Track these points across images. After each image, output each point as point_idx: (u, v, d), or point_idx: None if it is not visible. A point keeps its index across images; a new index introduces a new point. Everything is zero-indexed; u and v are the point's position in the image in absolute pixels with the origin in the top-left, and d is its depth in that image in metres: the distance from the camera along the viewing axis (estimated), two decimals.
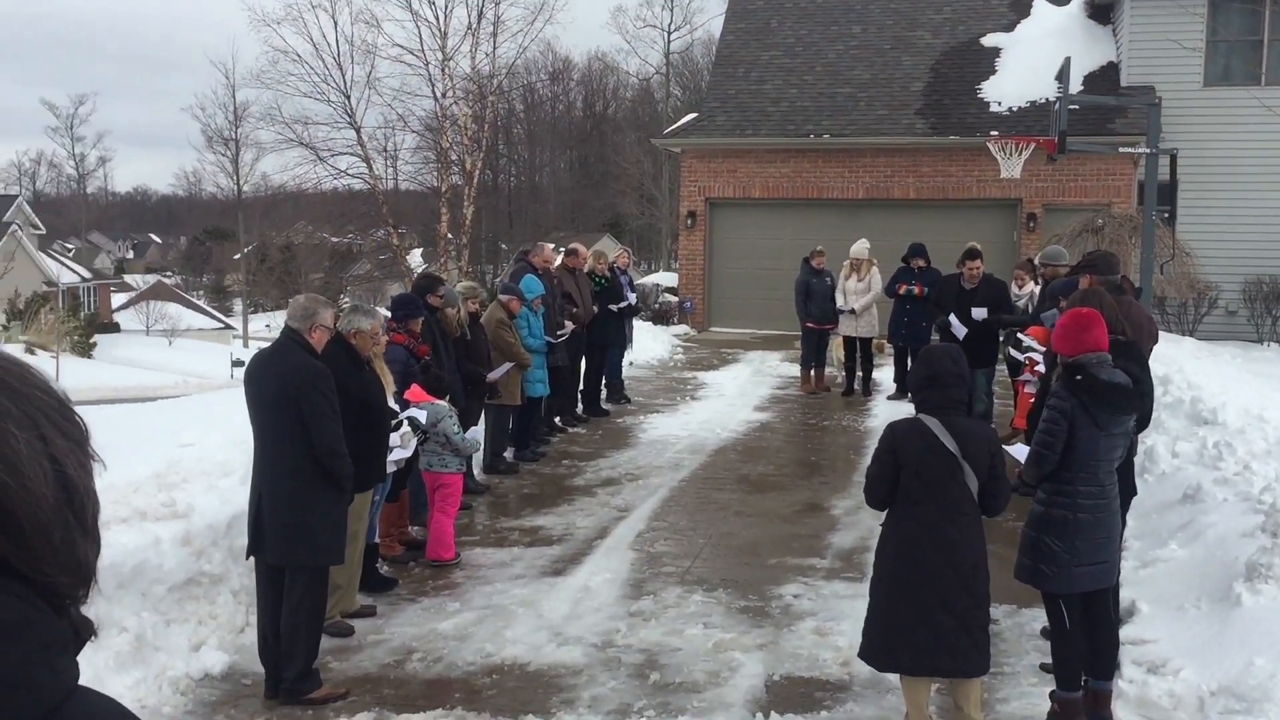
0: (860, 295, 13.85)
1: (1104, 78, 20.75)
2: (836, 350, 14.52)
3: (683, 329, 21.62)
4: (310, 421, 5.43)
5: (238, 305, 64.71)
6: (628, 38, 77.75)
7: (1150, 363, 6.97)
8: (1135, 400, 5.04)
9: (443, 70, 32.00)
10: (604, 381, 13.37)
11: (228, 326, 63.15)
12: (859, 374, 14.28)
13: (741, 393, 14.40)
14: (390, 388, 6.77)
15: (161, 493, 6.65)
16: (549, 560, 7.75)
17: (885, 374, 14.82)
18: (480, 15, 32.44)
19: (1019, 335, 9.79)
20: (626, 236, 60.68)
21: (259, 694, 5.65)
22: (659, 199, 51.21)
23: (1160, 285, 17.62)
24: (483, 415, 9.78)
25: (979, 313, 11.15)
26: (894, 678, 5.34)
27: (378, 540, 7.33)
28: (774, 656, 6.05)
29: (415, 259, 39.40)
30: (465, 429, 8.30)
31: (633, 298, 13.22)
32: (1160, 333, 11.84)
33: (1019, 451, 5.77)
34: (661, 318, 22.32)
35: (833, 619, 6.58)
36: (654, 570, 7.46)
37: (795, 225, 21.16)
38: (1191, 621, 5.89)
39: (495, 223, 54.52)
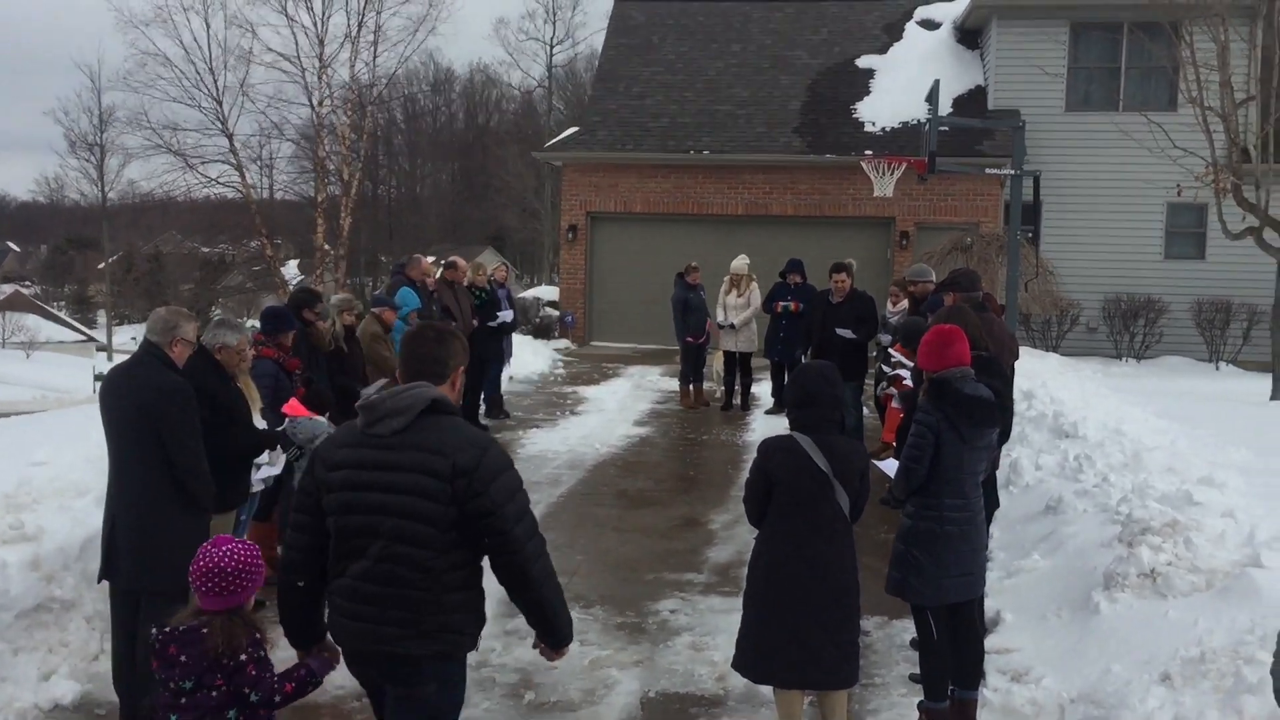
0: (740, 310, 13.99)
1: (972, 101, 21.45)
2: (716, 365, 14.65)
3: (563, 343, 21.56)
4: (169, 439, 5.23)
5: (102, 317, 62.32)
6: (510, 50, 77.32)
7: (1013, 378, 7.20)
8: (997, 414, 5.17)
9: (320, 78, 31.43)
10: (483, 396, 13.25)
11: (90, 339, 60.77)
12: (738, 389, 14.42)
13: (621, 407, 14.41)
14: (256, 403, 6.58)
15: (9, 514, 6.33)
16: None
17: (764, 388, 14.99)
18: (360, 23, 31.98)
19: (889, 351, 10.01)
20: (509, 250, 60.37)
21: None
22: (541, 212, 51.09)
23: (1025, 302, 18.26)
24: None
25: (844, 332, 11.37)
26: (768, 691, 5.37)
27: None
28: (650, 673, 6.04)
29: (290, 270, 38.58)
30: None
31: (509, 314, 13.12)
32: (1024, 348, 12.22)
33: (889, 466, 5.88)
34: (542, 331, 22.24)
35: (708, 633, 6.60)
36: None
37: (676, 240, 21.30)
38: (1053, 630, 6.07)
39: (374, 234, 53.64)
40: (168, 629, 3.41)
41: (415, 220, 58.91)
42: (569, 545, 8.32)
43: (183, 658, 3.38)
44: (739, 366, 14.34)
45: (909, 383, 8.38)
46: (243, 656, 3.41)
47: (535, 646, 3.73)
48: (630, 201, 21.65)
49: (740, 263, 14.19)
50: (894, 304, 12.21)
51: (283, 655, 3.99)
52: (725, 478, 10.64)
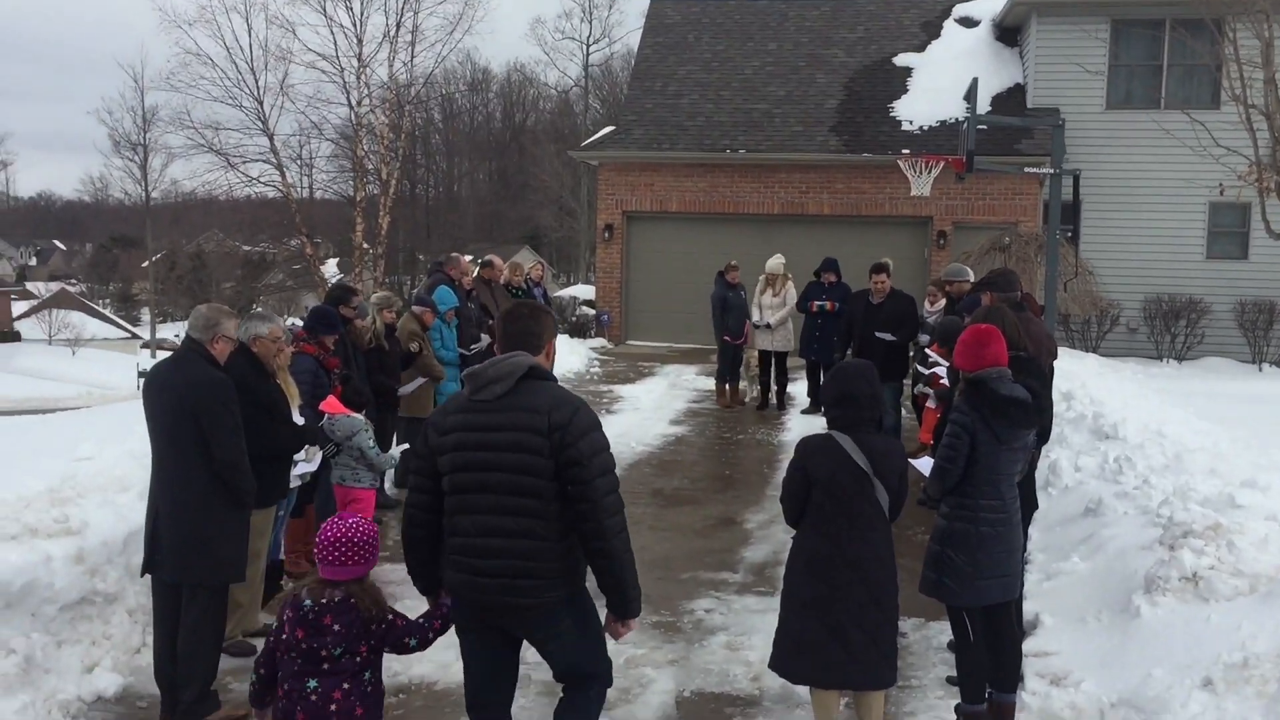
0: (775, 310, 13.95)
1: (1011, 99, 21.26)
2: (751, 363, 14.58)
3: (599, 342, 21.58)
4: (210, 434, 5.28)
5: (145, 314, 63.13)
6: (547, 49, 77.79)
7: (1052, 378, 7.13)
8: (1034, 414, 5.12)
9: (359, 78, 31.65)
10: None
11: (134, 336, 61.56)
12: (774, 388, 14.37)
13: (658, 406, 14.41)
14: (295, 399, 6.63)
15: (54, 508, 6.41)
16: None
17: (799, 388, 14.94)
18: (398, 24, 32.17)
19: (925, 351, 9.94)
20: (545, 249, 60.56)
21: (155, 717, 5.46)
22: (577, 211, 51.20)
23: (1064, 302, 18.08)
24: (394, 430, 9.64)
25: (884, 335, 11.31)
26: (804, 692, 5.35)
27: (282, 557, 7.16)
28: (685, 672, 6.03)
29: (330, 269, 38.86)
30: (383, 446, 8.15)
31: None
32: (1063, 349, 12.09)
33: (924, 465, 5.83)
34: (578, 330, 22.28)
35: (744, 633, 6.58)
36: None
37: (711, 239, 21.26)
38: (1093, 633, 6.00)
39: (412, 233, 53.95)
40: (323, 600, 3.74)
41: (452, 219, 59.23)
42: None
43: (337, 626, 3.73)
44: (775, 366, 14.29)
45: (945, 382, 8.32)
46: (390, 616, 3.83)
47: (606, 630, 3.98)
48: (666, 200, 21.64)
49: (775, 262, 14.15)
50: (931, 303, 12.12)
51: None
52: (761, 477, 10.61)
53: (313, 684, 3.75)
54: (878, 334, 11.32)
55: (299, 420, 6.66)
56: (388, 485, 9.66)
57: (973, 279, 10.05)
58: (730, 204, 21.43)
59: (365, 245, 31.64)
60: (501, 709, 3.98)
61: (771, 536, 8.55)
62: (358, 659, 3.77)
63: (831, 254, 14.29)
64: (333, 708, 3.74)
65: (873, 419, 4.80)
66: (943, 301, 11.43)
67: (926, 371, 9.55)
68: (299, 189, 34.56)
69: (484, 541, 3.74)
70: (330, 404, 7.58)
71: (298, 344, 7.74)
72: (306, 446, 6.71)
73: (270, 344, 6.18)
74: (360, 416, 7.77)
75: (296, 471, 6.64)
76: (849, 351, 11.74)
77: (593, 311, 22.80)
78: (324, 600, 3.75)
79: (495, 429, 3.74)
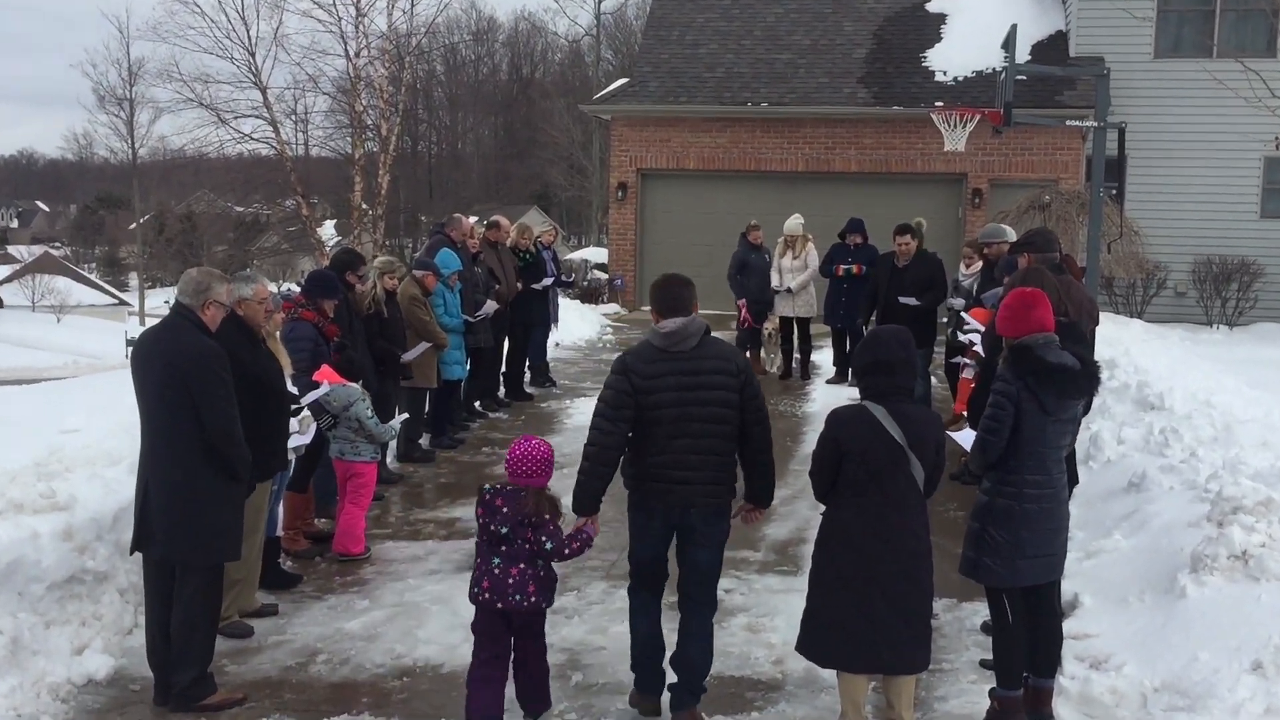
0: (796, 273, 13.90)
1: (1052, 47, 21.06)
2: (770, 329, 14.52)
3: (613, 308, 21.56)
4: (202, 404, 5.29)
5: (133, 279, 63.29)
6: None
7: (1094, 345, 7.09)
8: (1084, 383, 5.10)
9: (356, 27, 31.51)
10: (527, 363, 13.28)
11: (122, 302, 61.78)
12: (796, 356, 14.34)
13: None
14: (288, 368, 6.64)
15: (41, 483, 6.45)
16: (465, 555, 7.66)
17: (824, 356, 14.91)
18: None
19: (961, 316, 9.88)
20: (554, 209, 60.43)
21: (148, 700, 5.51)
22: (589, 169, 51.04)
23: (1108, 265, 17.97)
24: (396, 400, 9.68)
25: (907, 300, 11.25)
26: (829, 676, 5.36)
27: (280, 534, 7.21)
28: None
29: (327, 231, 38.80)
30: (384, 416, 8.18)
31: (549, 281, 13.10)
32: (1107, 315, 12.01)
33: (963, 438, 5.82)
34: (590, 296, 22.27)
35: (766, 614, 6.61)
36: (577, 564, 7.40)
37: (732, 198, 21.20)
38: (1135, 615, 6.00)
39: (414, 193, 53.90)
40: (498, 485, 5.17)
41: (456, 177, 59.14)
42: (618, 519, 8.28)
43: (505, 509, 5.10)
44: (797, 332, 14.26)
45: (981, 350, 8.28)
46: (546, 516, 5.11)
47: (734, 515, 5.37)
48: (683, 157, 21.56)
49: (794, 222, 14.07)
50: (968, 266, 12.03)
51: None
52: (784, 450, 10.59)
53: (496, 561, 5.12)
54: (901, 299, 11.26)
55: (292, 390, 6.68)
56: (389, 458, 9.70)
57: (1010, 240, 9.97)
58: (751, 161, 21.33)
59: (364, 206, 31.60)
60: (664, 575, 5.43)
61: (795, 513, 8.56)
62: (527, 545, 5.09)
63: (860, 214, 14.22)
64: (510, 581, 5.09)
65: (907, 388, 4.80)
66: (979, 265, 11.34)
67: (963, 338, 9.50)
68: (294, 146, 34.50)
69: (693, 458, 5.15)
70: (325, 373, 7.60)
71: (296, 310, 7.75)
72: (300, 418, 6.73)
73: (256, 306, 6.17)
74: (357, 386, 7.80)
75: (290, 444, 6.67)
76: (873, 317, 11.70)
77: (605, 276, 22.77)
78: (498, 485, 5.20)
79: (697, 373, 5.16)
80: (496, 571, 5.12)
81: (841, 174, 21.01)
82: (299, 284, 8.51)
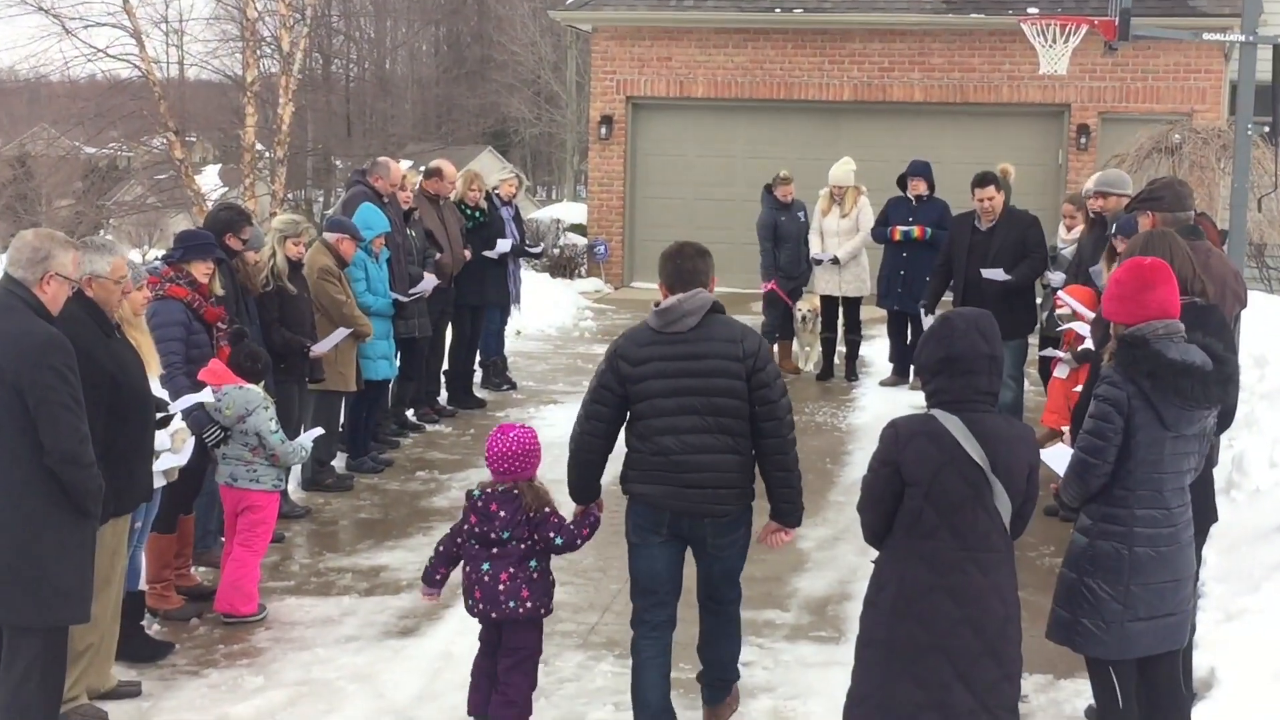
0: (843, 238, 13.91)
1: None
2: (807, 312, 14.52)
3: (593, 284, 21.57)
4: (39, 414, 5.30)
5: None
6: None
7: (1239, 336, 7.10)
8: (1218, 388, 5.12)
9: None
10: (478, 359, 13.28)
11: None
12: (841, 349, 14.36)
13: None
14: (154, 365, 6.64)
15: None
16: (394, 615, 7.70)
17: (877, 349, 14.93)
18: None
19: (1057, 295, 9.89)
20: (516, 151, 60.38)
21: None
22: (562, 99, 50.99)
23: (1258, 227, 17.98)
24: (300, 407, 9.68)
25: (992, 273, 11.21)
26: None
27: (144, 587, 7.21)
28: None
29: (209, 179, 38.73)
30: (287, 430, 8.19)
31: (510, 244, 13.09)
32: (1256, 293, 12.01)
33: (1057, 458, 5.83)
34: (564, 268, 22.26)
35: (797, 695, 6.64)
36: (546, 628, 7.43)
37: (753, 138, 21.23)
38: None
39: (326, 129, 53.76)
40: (488, 490, 6.02)
41: (384, 109, 58.98)
42: (599, 569, 8.36)
43: (502, 513, 5.97)
44: (843, 318, 14.28)
45: (1088, 343, 8.30)
46: (546, 509, 6.00)
47: (761, 540, 6.06)
48: (688, 82, 21.57)
49: (842, 170, 14.10)
50: (1068, 229, 12.04)
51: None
52: (822, 476, 10.62)
53: (485, 566, 5.98)
54: (984, 272, 11.22)
55: (159, 393, 6.67)
56: (292, 486, 9.70)
57: (1129, 192, 9.99)
58: (780, 87, 21.33)
59: (259, 147, 31.53)
60: (674, 597, 6.02)
61: (837, 560, 8.58)
62: (523, 545, 5.98)
63: (924, 156, 14.23)
64: (500, 588, 5.95)
65: (990, 393, 4.80)
66: (1081, 226, 11.36)
67: (1061, 326, 9.51)
68: (164, 65, 34.46)
69: (690, 458, 5.72)
70: (214, 371, 7.60)
71: (162, 285, 7.75)
72: (171, 431, 6.74)
73: (112, 285, 6.16)
74: (257, 388, 7.80)
75: (160, 466, 6.67)
76: (954, 299, 11.67)
77: (583, 241, 22.76)
78: (489, 490, 6.02)
79: (695, 357, 5.73)
80: (486, 579, 5.99)
81: (902, 104, 21.03)
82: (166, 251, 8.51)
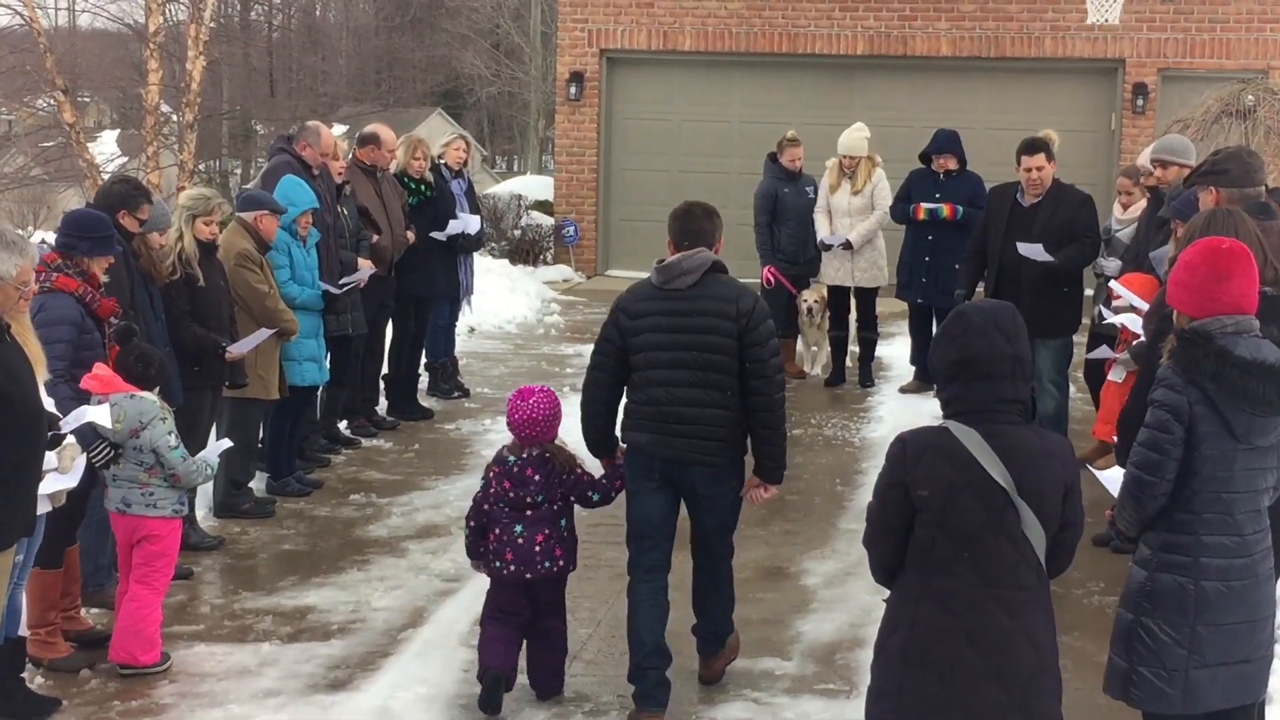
0: (857, 218, 13.91)
1: None
2: (811, 304, 14.50)
3: (560, 271, 21.60)
4: None
5: None
6: None
7: None
8: None
9: None
10: (424, 361, 13.26)
11: None
12: (854, 349, 14.37)
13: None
14: (42, 370, 6.60)
15: None
16: (323, 665, 7.69)
17: (896, 350, 14.94)
18: None
19: (1110, 284, 9.88)
20: (470, 115, 60.32)
21: None
22: (525, 52, 50.98)
23: None
24: (215, 421, 9.65)
25: (1030, 249, 11.15)
26: None
27: (24, 633, 7.17)
28: None
29: (106, 147, 38.64)
30: (195, 446, 8.14)
31: (472, 221, 13.08)
32: None
33: (1110, 478, 5.82)
34: (525, 252, 22.25)
35: None
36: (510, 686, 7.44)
37: (751, 98, 21.32)
38: None
39: (245, 89, 53.67)
40: (524, 456, 7.05)
41: (314, 65, 58.91)
42: (569, 608, 8.34)
43: (537, 477, 7.04)
44: (857, 312, 14.30)
45: (1140, 335, 8.30)
46: (578, 471, 7.15)
47: (743, 495, 7.15)
48: (674, 32, 21.60)
49: (855, 138, 14.08)
50: (1123, 207, 12.05)
51: None
52: (831, 499, 10.62)
53: (519, 529, 7.02)
54: (1021, 248, 11.12)
55: (48, 403, 6.63)
56: (201, 512, 9.67)
57: (1193, 162, 10.00)
58: (783, 38, 21.38)
59: (165, 109, 31.47)
60: (667, 540, 7.12)
61: (847, 599, 8.59)
62: (555, 506, 7.10)
63: (952, 121, 14.24)
64: (536, 549, 7.01)
65: (1017, 399, 4.78)
66: (1142, 203, 11.37)
67: (1113, 318, 9.52)
68: (51, 12, 34.38)
69: (678, 409, 6.84)
70: (99, 378, 7.54)
71: (48, 277, 7.71)
72: (60, 449, 6.70)
73: (12, 290, 6.16)
74: (152, 396, 7.74)
75: (46, 489, 6.63)
76: (986, 288, 11.64)
77: (549, 221, 22.74)
78: (524, 456, 7.07)
79: (689, 314, 6.84)
80: (521, 541, 7.02)
81: (926, 59, 21.09)
82: (54, 234, 8.45)
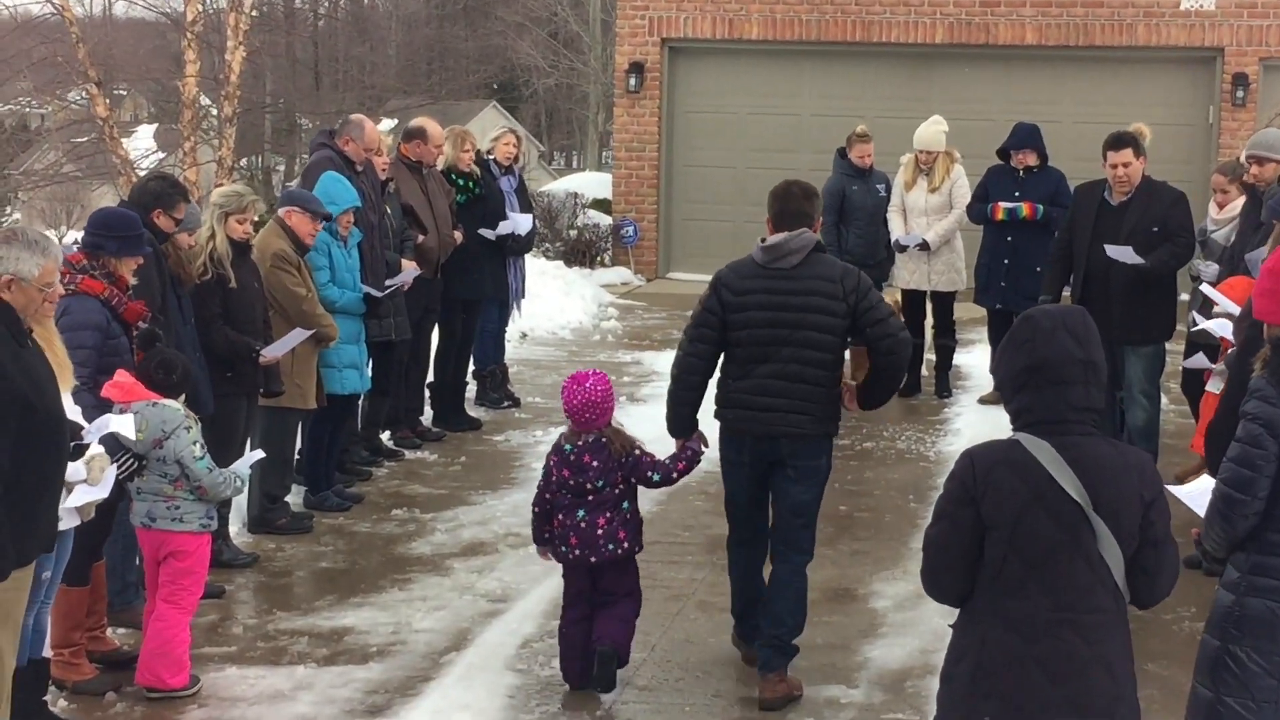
0: (933, 217, 13.87)
1: None
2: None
3: (619, 274, 21.60)
4: None
5: None
6: None
7: None
8: None
9: None
10: (472, 368, 13.29)
11: None
12: (929, 357, 14.35)
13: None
14: (67, 378, 6.64)
15: None
16: (361, 689, 7.71)
17: (976, 358, 14.88)
18: None
19: (1204, 289, 9.81)
20: (526, 108, 60.49)
21: None
22: (583, 42, 51.07)
23: None
24: (251, 432, 9.70)
25: (1119, 251, 11.08)
26: None
27: (48, 654, 7.22)
28: None
29: (142, 141, 38.91)
30: (226, 458, 8.17)
31: (522, 221, 13.09)
32: None
33: (1195, 494, 5.78)
34: (581, 254, 22.25)
35: None
36: (551, 707, 7.44)
37: (822, 91, 21.33)
38: None
39: (290, 81, 53.96)
40: (580, 443, 7.56)
41: (360, 55, 59.17)
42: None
43: (595, 463, 7.55)
44: (934, 318, 14.26)
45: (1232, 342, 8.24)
46: (636, 452, 7.61)
47: (846, 407, 7.78)
48: (740, 20, 21.62)
49: (931, 132, 14.05)
50: (1220, 206, 11.96)
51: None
52: (903, 517, 10.59)
53: (581, 514, 7.54)
54: (1109, 250, 11.04)
55: (72, 410, 6.67)
56: (234, 527, 9.72)
57: None
58: (856, 26, 21.35)
59: (205, 101, 31.66)
60: (761, 515, 7.83)
61: (919, 623, 8.56)
62: (616, 490, 7.59)
63: (1036, 117, 14.17)
64: (599, 532, 7.52)
65: (1090, 408, 4.74)
66: (1240, 201, 11.29)
67: (1205, 325, 9.46)
68: (84, 2, 34.65)
69: (779, 384, 7.43)
70: (121, 385, 7.56)
71: (73, 279, 7.74)
72: (87, 459, 6.72)
73: (35, 292, 6.19)
74: (176, 404, 7.76)
75: (73, 502, 6.64)
76: (1074, 293, 11.57)
77: (607, 220, 22.74)
78: (580, 442, 7.58)
79: (795, 293, 7.43)
80: (583, 525, 7.54)
81: (1010, 49, 21.01)
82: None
